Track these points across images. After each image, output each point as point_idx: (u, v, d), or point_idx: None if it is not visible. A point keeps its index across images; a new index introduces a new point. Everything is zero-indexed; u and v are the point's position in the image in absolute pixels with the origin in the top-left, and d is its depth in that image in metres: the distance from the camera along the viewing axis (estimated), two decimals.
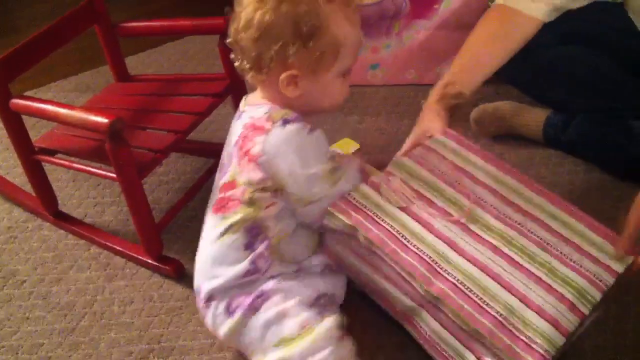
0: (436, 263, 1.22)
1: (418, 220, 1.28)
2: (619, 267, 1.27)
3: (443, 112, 1.49)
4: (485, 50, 1.59)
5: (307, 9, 1.17)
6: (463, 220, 1.29)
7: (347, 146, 1.87)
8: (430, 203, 1.31)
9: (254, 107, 1.29)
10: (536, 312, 1.18)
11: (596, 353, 1.34)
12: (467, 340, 1.21)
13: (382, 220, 1.27)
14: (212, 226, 1.32)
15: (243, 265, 1.28)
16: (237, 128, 1.30)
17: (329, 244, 1.34)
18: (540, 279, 1.22)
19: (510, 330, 1.16)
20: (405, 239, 1.25)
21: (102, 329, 1.46)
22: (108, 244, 1.64)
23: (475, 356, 1.21)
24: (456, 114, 1.54)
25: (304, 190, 1.26)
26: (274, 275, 1.30)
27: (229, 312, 1.29)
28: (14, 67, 1.52)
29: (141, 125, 1.61)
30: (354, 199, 1.30)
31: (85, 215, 1.75)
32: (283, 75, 1.21)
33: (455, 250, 1.24)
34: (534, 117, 1.80)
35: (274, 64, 1.21)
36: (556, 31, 1.64)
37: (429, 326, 1.25)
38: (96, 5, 1.70)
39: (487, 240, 1.27)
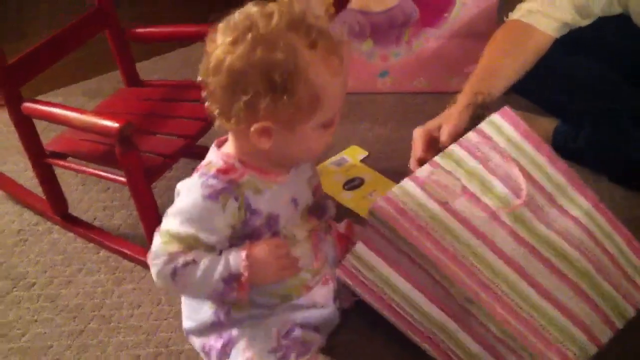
0: (472, 265, 1.20)
1: (459, 219, 1.25)
2: None
3: (467, 115, 1.47)
4: (501, 64, 1.61)
5: (283, 57, 1.03)
6: (501, 214, 1.26)
7: (355, 154, 1.88)
8: (475, 199, 1.27)
9: (213, 148, 1.23)
10: (571, 320, 1.18)
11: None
12: (495, 351, 1.21)
13: (421, 219, 1.23)
14: None
15: (208, 316, 1.28)
16: None
17: (351, 261, 1.30)
18: (578, 287, 1.22)
19: (544, 336, 1.17)
20: (443, 238, 1.22)
21: (111, 332, 1.47)
22: (117, 247, 1.64)
23: None
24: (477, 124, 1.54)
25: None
26: (240, 319, 1.27)
27: (205, 352, 1.29)
28: (25, 71, 1.54)
29: (151, 130, 1.62)
30: (396, 196, 1.26)
31: (95, 219, 1.76)
32: (254, 127, 1.09)
33: (494, 252, 1.22)
34: (543, 127, 1.80)
35: (244, 115, 1.08)
36: (559, 41, 1.66)
37: (457, 341, 1.24)
38: (106, 11, 1.71)
39: (528, 243, 1.25)
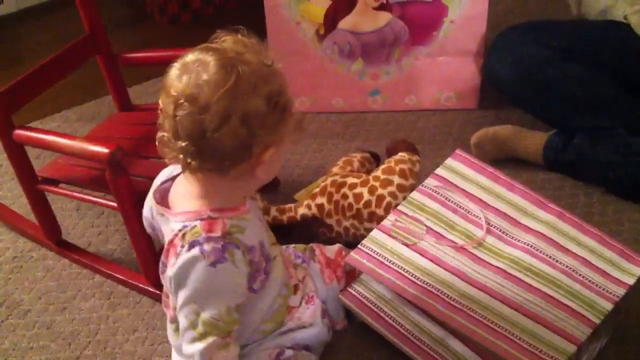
0: (447, 296, 1.30)
1: (428, 257, 1.36)
2: (630, 279, 1.33)
3: None
4: None
5: (277, 81, 1.08)
6: (469, 248, 1.37)
7: None
8: (441, 237, 1.39)
9: (174, 217, 1.17)
10: (545, 327, 1.25)
11: None
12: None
13: (393, 263, 1.35)
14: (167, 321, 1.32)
15: None
16: (165, 229, 1.21)
17: (355, 288, 1.39)
18: (548, 295, 1.30)
19: (520, 345, 1.23)
20: (415, 276, 1.33)
21: (106, 357, 1.47)
22: (111, 272, 1.64)
23: None
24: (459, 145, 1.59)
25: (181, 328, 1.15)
26: None
27: None
28: (17, 98, 1.54)
29: (142, 154, 1.62)
30: (366, 246, 1.38)
31: (89, 244, 1.75)
32: (266, 156, 1.10)
33: (465, 281, 1.32)
34: (534, 141, 1.80)
35: (257, 150, 1.09)
36: (556, 49, 1.67)
37: (456, 354, 1.30)
38: (98, 36, 1.72)
39: (496, 267, 1.35)
